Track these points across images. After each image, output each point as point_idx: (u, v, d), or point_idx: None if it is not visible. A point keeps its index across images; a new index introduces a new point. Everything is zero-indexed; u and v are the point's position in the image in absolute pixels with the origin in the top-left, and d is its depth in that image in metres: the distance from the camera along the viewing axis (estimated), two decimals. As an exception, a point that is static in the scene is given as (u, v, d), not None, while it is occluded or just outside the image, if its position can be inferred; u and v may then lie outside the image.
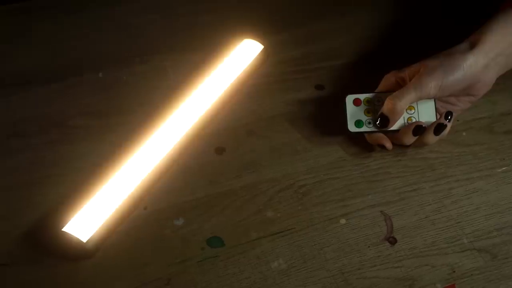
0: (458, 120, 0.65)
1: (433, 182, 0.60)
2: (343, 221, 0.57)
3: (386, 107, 0.58)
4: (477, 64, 0.56)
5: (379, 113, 0.59)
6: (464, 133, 0.64)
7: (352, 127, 0.60)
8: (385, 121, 0.58)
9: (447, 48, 0.58)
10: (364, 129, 0.60)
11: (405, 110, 0.58)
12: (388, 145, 0.60)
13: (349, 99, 0.61)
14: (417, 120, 0.59)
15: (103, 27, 0.75)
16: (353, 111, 0.60)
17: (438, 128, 0.57)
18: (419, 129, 0.58)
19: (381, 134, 0.60)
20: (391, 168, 0.61)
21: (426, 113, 0.59)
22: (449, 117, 0.58)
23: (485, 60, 0.56)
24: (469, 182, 0.60)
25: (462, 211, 0.58)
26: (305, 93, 0.68)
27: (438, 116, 0.59)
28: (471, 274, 0.53)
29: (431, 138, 0.58)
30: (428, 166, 0.61)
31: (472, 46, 0.57)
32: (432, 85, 0.56)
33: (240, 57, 0.67)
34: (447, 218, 0.57)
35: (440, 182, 0.60)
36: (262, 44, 0.69)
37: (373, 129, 0.60)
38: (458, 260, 0.54)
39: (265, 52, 0.69)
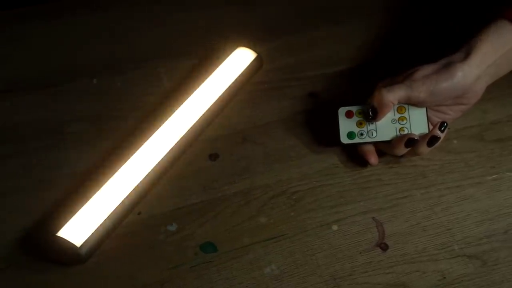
0: (449, 128, 0.65)
1: (424, 189, 0.60)
2: (335, 227, 0.57)
3: (375, 98, 0.58)
4: (471, 75, 0.57)
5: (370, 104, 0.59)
6: (455, 141, 0.65)
7: (344, 139, 0.60)
8: (375, 113, 0.59)
9: (441, 57, 0.59)
10: (356, 140, 0.60)
11: (393, 107, 0.59)
12: (373, 160, 0.60)
13: (342, 111, 0.61)
14: (409, 130, 0.60)
15: (97, 33, 0.75)
16: (346, 123, 0.61)
17: (432, 140, 0.58)
18: (411, 142, 0.58)
19: (369, 148, 0.61)
20: (383, 175, 0.62)
21: (418, 123, 0.59)
22: (443, 128, 0.58)
23: (478, 71, 0.57)
24: (459, 190, 0.60)
25: (452, 218, 0.58)
26: (299, 101, 0.68)
27: (431, 126, 0.59)
28: (461, 281, 0.54)
29: (424, 149, 0.58)
30: (420, 174, 0.62)
31: (466, 56, 0.57)
32: (423, 88, 0.57)
33: (235, 64, 0.68)
34: (438, 225, 0.58)
35: (431, 189, 0.60)
36: (257, 51, 0.69)
37: (365, 140, 0.60)
38: (448, 267, 0.55)
39: (259, 59, 0.69)
